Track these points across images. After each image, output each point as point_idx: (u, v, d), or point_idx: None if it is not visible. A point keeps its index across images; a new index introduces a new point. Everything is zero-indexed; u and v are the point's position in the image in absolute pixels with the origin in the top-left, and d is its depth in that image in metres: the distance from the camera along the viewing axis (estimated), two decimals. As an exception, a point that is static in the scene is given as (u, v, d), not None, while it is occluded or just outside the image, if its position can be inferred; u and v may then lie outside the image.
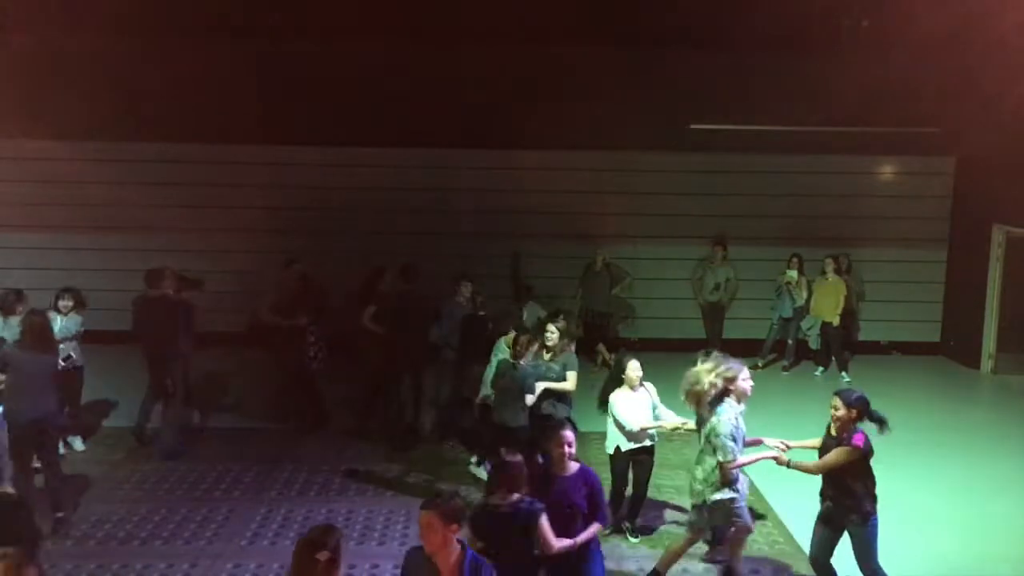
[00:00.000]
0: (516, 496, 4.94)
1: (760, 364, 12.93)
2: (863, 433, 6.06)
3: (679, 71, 12.13)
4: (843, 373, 12.59)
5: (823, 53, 11.61)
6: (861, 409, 6.09)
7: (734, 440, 6.29)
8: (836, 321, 12.44)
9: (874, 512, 6.12)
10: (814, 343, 13.06)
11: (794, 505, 8.10)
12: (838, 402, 6.11)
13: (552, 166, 13.22)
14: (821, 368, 12.84)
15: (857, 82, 11.47)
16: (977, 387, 12.66)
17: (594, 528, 5.41)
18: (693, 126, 12.42)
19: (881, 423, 6.11)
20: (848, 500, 6.10)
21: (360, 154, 13.15)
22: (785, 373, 12.83)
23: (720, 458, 6.30)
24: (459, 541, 4.29)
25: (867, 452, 6.08)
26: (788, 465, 6.32)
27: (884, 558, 7.21)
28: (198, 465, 8.89)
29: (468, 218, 13.20)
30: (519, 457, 5.10)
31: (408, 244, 12.89)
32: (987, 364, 13.05)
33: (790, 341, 12.98)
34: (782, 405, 11.17)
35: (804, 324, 12.90)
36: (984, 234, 13.00)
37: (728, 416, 6.33)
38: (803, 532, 7.57)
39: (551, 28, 11.09)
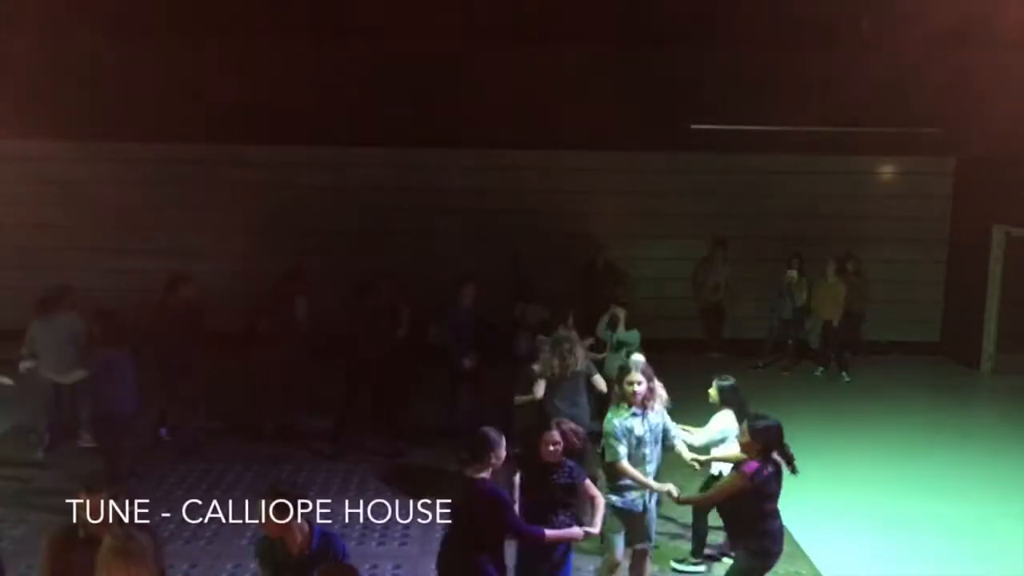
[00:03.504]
0: (486, 474, 5.11)
1: (760, 364, 12.94)
2: (758, 464, 5.52)
3: (679, 71, 12.13)
4: (843, 373, 12.60)
5: (823, 53, 11.62)
6: (765, 443, 5.55)
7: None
8: (836, 320, 12.44)
9: (758, 557, 5.62)
10: (814, 343, 13.06)
11: (794, 505, 8.11)
12: (744, 427, 5.71)
13: (552, 166, 13.22)
14: (821, 368, 12.84)
15: (857, 82, 11.47)
16: (977, 387, 12.66)
17: (576, 531, 5.40)
18: (693, 126, 12.42)
19: (789, 461, 5.64)
20: (735, 529, 5.67)
21: (359, 154, 13.14)
22: (785, 373, 12.83)
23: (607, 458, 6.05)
24: (307, 521, 4.47)
25: (756, 485, 5.48)
26: (679, 501, 6.07)
27: (885, 559, 7.23)
28: (198, 465, 8.91)
29: (467, 218, 13.19)
30: (495, 433, 5.18)
31: (407, 244, 12.92)
32: (987, 364, 13.05)
33: (790, 341, 12.99)
34: (782, 405, 11.18)
35: (806, 324, 12.90)
36: (984, 234, 13.00)
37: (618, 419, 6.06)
38: (803, 532, 7.60)
39: (551, 28, 11.08)
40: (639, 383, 6.05)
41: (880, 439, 9.94)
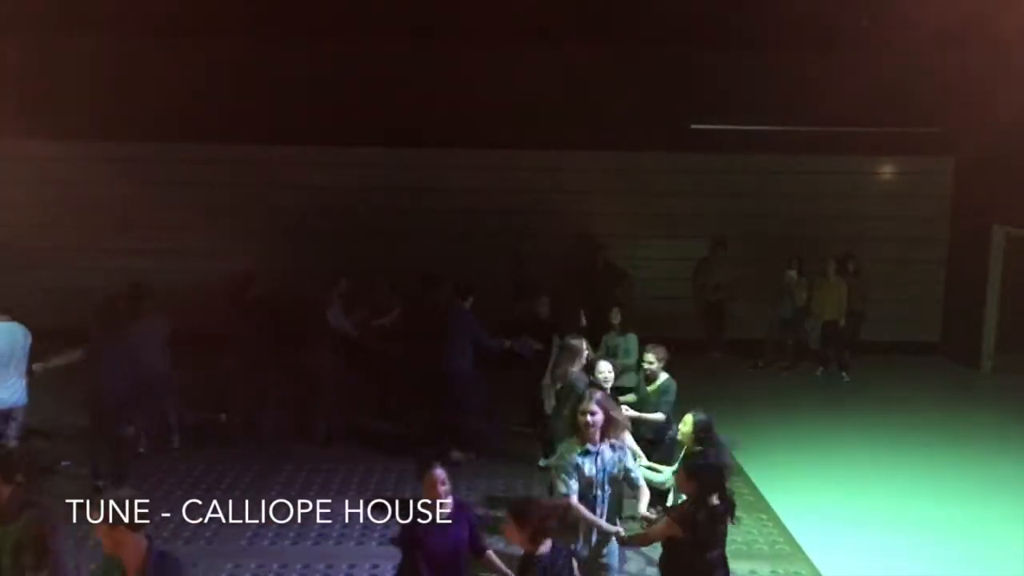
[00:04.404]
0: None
1: (760, 364, 12.95)
2: (686, 509, 4.98)
3: (679, 71, 12.14)
4: (843, 373, 12.60)
5: (823, 53, 11.62)
6: (702, 485, 4.95)
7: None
8: (842, 321, 12.43)
9: None
10: (814, 343, 13.06)
11: (794, 505, 8.12)
12: (681, 472, 5.16)
13: (552, 166, 13.22)
14: (821, 368, 12.84)
15: (857, 82, 11.47)
16: (977, 387, 12.66)
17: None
18: (693, 126, 12.42)
19: (729, 508, 5.03)
20: None
21: (360, 154, 13.14)
22: (785, 373, 12.83)
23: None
24: (146, 537, 4.07)
25: (687, 531, 4.89)
26: (622, 543, 5.51)
27: (885, 559, 7.23)
28: (198, 465, 8.91)
29: (468, 218, 13.19)
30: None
31: (407, 244, 12.91)
32: (987, 364, 13.04)
33: (790, 341, 12.99)
34: (782, 405, 11.20)
35: (806, 324, 12.90)
36: (984, 234, 12.99)
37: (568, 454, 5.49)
38: (803, 532, 7.60)
39: (551, 28, 11.08)
40: (592, 414, 5.36)
41: (880, 439, 9.94)
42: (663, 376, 7.42)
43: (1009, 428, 10.45)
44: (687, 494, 5.05)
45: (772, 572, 7.01)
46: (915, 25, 9.77)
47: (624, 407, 7.02)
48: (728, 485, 5.17)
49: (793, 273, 12.59)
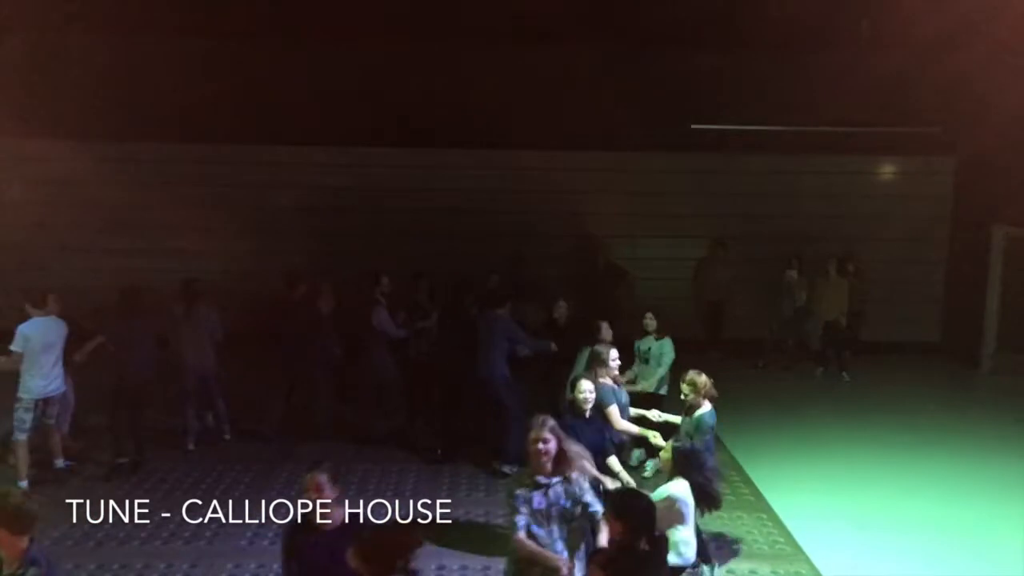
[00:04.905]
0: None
1: (760, 364, 12.94)
2: (608, 554, 4.50)
3: (679, 71, 12.15)
4: (843, 373, 12.60)
5: (823, 53, 11.63)
6: (633, 525, 4.40)
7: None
8: (843, 321, 12.44)
9: None
10: (814, 343, 13.06)
11: (794, 505, 8.12)
12: (609, 511, 4.63)
13: (552, 166, 13.22)
14: (821, 368, 12.84)
15: (857, 82, 11.48)
16: (977, 387, 12.66)
17: None
18: (693, 126, 12.42)
19: (658, 551, 4.58)
20: None
21: (360, 154, 13.15)
22: (785, 373, 12.82)
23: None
24: (29, 539, 4.21)
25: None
26: None
27: (885, 559, 7.23)
28: (198, 465, 8.92)
29: (468, 218, 13.20)
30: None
31: (408, 245, 12.91)
32: (987, 364, 13.04)
33: (790, 341, 12.99)
34: (782, 405, 11.20)
35: (807, 324, 12.90)
36: (984, 234, 12.99)
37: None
38: (803, 532, 7.60)
39: (551, 28, 11.09)
40: (545, 441, 4.98)
41: (880, 439, 9.94)
42: (704, 407, 6.70)
43: (1009, 428, 10.44)
44: (615, 536, 4.54)
45: (772, 572, 7.00)
46: (915, 26, 9.77)
47: (655, 435, 6.92)
48: (657, 529, 4.63)
49: (793, 273, 12.59)
